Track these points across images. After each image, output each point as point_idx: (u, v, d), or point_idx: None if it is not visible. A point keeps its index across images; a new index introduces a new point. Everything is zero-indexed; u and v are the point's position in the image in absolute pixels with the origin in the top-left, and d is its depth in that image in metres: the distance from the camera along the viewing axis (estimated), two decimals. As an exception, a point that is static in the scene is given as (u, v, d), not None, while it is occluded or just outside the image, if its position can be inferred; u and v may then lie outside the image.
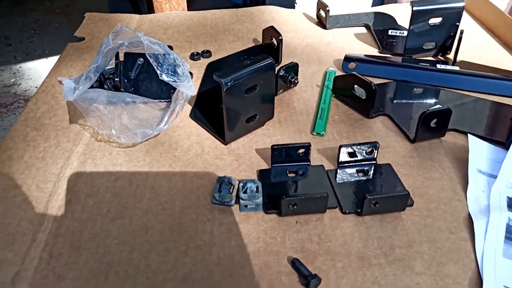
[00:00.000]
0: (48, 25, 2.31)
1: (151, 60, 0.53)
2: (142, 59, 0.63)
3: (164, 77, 0.53)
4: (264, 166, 0.56)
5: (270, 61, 0.57)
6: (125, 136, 0.54)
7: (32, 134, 0.61)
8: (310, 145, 0.54)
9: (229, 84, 0.53)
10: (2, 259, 0.45)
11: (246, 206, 0.50)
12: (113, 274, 0.43)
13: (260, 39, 0.83)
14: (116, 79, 0.63)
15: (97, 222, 0.49)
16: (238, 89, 0.55)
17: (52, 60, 2.05)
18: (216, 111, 0.63)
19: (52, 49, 2.12)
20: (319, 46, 0.82)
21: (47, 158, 0.57)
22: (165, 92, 0.66)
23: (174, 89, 0.66)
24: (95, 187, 0.53)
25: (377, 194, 0.48)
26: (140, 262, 0.44)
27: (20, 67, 2.04)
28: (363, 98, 0.64)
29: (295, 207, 0.48)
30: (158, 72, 0.53)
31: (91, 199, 0.51)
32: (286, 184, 0.53)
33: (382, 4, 1.11)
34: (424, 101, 0.68)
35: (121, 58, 0.66)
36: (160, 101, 0.66)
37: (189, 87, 0.54)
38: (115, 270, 0.44)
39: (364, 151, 0.55)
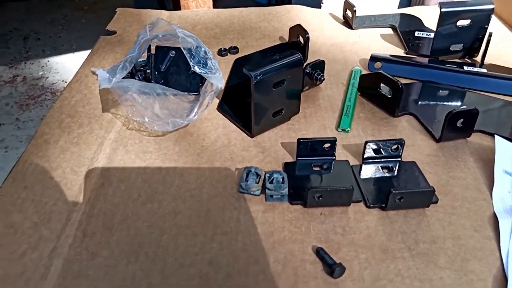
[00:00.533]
0: (76, 21, 2.38)
1: (184, 52, 0.55)
2: (174, 52, 0.65)
3: (196, 69, 0.55)
4: (289, 159, 0.58)
5: (299, 56, 0.58)
6: (157, 125, 0.56)
7: (67, 121, 0.64)
8: (335, 140, 0.55)
9: (258, 77, 0.55)
10: (39, 236, 0.47)
11: (271, 196, 0.51)
12: (143, 254, 0.45)
13: (286, 38, 0.84)
14: (148, 70, 0.66)
15: (129, 205, 0.51)
16: (267, 83, 0.56)
17: (79, 55, 2.11)
18: (242, 105, 0.65)
19: (79, 44, 2.18)
20: (345, 45, 0.83)
21: (81, 144, 0.59)
22: (194, 85, 0.68)
23: (202, 82, 0.68)
24: (127, 172, 0.55)
25: (402, 189, 0.49)
26: (169, 245, 0.46)
27: (48, 61, 2.10)
28: (389, 96, 0.64)
29: (320, 198, 0.49)
30: (191, 63, 0.55)
31: (122, 184, 0.53)
32: (310, 177, 0.54)
33: (409, 5, 1.11)
34: (450, 102, 0.68)
35: (152, 51, 0.68)
36: (189, 93, 0.68)
37: (219, 79, 0.56)
38: (145, 251, 0.46)
39: (389, 148, 0.55)
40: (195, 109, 0.57)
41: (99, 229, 0.48)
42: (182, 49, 0.55)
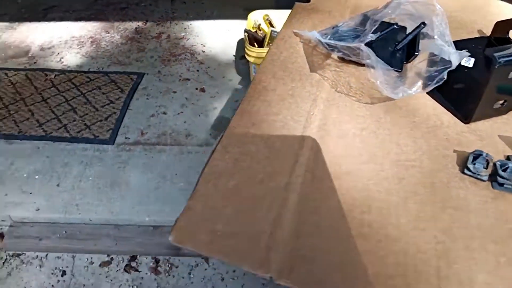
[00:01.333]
0: (219, -9, 2.51)
1: (436, 21, 0.54)
2: (398, 25, 0.65)
3: (438, 41, 0.54)
4: (509, 152, 0.55)
5: (545, 49, 0.55)
6: (386, 90, 0.57)
7: (279, 74, 0.67)
8: None
9: (501, 61, 0.52)
10: (273, 169, 0.51)
11: (501, 184, 0.49)
12: (375, 208, 0.47)
13: (485, 31, 0.79)
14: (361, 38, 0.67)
15: (349, 161, 0.52)
16: (506, 69, 0.54)
17: (219, 22, 2.22)
18: (451, 90, 0.63)
19: (220, 12, 2.29)
20: (555, 50, 0.76)
21: (296, 96, 0.63)
22: (397, 62, 0.68)
23: (407, 60, 0.67)
24: (343, 130, 0.57)
25: None
26: (399, 206, 0.47)
27: (190, 24, 2.25)
28: None
29: None
30: (434, 34, 0.54)
31: (341, 140, 0.55)
32: (538, 175, 0.51)
33: None
34: None
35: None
36: (393, 69, 0.67)
37: (457, 56, 0.54)
38: (376, 205, 0.47)
39: None
40: (418, 83, 0.57)
41: (326, 176, 0.50)
42: (435, 19, 0.55)
